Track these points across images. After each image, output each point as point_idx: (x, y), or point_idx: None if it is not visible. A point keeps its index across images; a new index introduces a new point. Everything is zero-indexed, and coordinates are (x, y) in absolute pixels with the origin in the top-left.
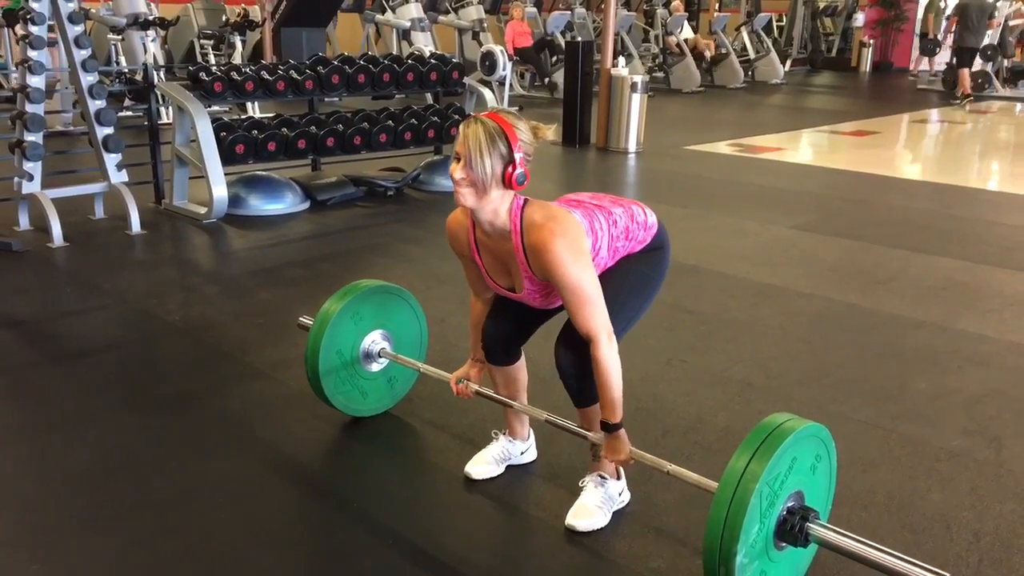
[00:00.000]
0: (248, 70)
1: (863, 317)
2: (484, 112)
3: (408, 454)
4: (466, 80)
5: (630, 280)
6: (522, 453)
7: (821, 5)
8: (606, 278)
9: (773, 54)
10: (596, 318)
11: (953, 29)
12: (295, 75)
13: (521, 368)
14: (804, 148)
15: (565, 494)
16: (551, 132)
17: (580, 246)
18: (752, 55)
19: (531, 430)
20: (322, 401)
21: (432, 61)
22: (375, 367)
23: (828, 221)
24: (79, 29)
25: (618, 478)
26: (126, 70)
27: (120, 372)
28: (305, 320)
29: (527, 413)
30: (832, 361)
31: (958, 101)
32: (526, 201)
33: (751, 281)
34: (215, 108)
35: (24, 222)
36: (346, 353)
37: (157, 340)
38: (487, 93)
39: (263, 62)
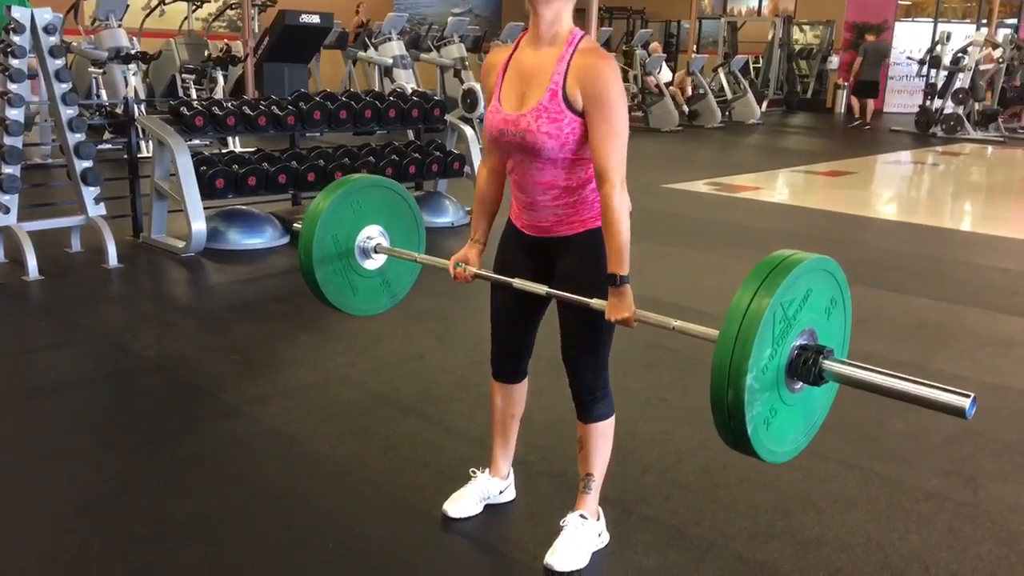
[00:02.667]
0: (230, 105)
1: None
2: None
3: (383, 494)
4: (447, 117)
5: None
6: (501, 492)
7: (797, 48)
8: (597, 280)
9: (750, 95)
10: (617, 155)
11: (858, 67)
12: (277, 110)
13: (521, 392)
14: (780, 187)
15: (544, 534)
16: None
17: (623, 88)
18: (729, 96)
19: (511, 469)
20: (314, 293)
21: (414, 98)
22: (370, 264)
23: None
24: (60, 63)
25: (598, 519)
26: (107, 103)
27: (93, 408)
28: (298, 225)
29: (529, 289)
30: None
31: (857, 123)
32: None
33: None
34: (196, 142)
35: None
36: (342, 241)
37: (132, 376)
38: (468, 130)
39: (245, 97)
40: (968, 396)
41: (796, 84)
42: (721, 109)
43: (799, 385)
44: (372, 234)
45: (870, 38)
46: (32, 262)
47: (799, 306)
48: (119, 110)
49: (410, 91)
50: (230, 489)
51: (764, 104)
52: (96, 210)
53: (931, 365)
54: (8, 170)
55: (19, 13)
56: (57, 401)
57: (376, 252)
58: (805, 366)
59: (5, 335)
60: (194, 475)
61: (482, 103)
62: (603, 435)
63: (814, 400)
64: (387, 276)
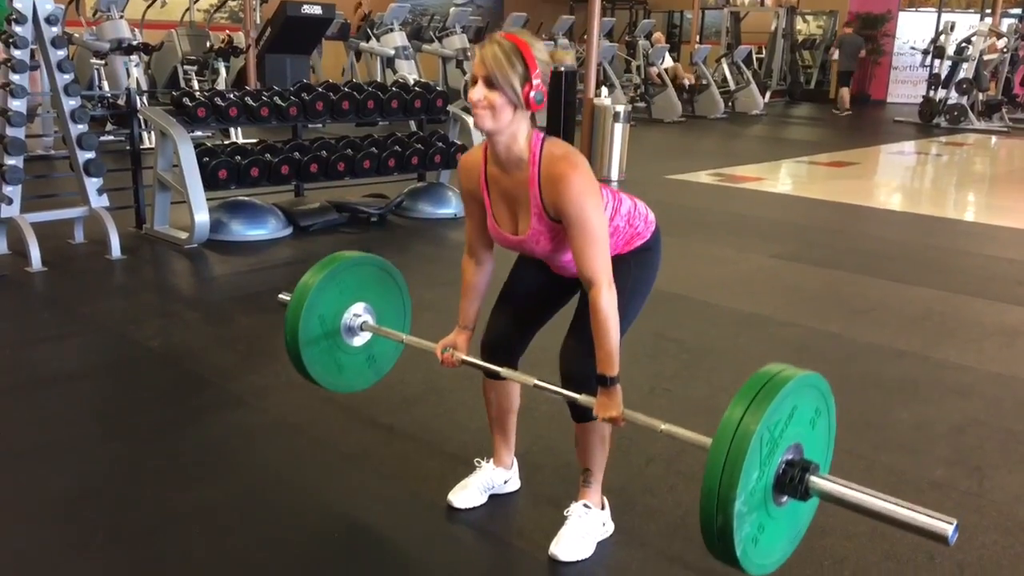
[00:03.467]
0: (232, 96)
1: (844, 346)
2: (499, 32)
3: (389, 483)
4: (450, 108)
5: (630, 284)
6: (505, 482)
7: (800, 38)
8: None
9: (753, 86)
10: (600, 260)
11: (836, 57)
12: (279, 101)
13: (516, 390)
14: (784, 178)
15: (548, 524)
16: (570, 57)
17: (596, 187)
18: (732, 86)
19: (515, 459)
20: (299, 371)
21: (416, 89)
22: (356, 341)
23: (808, 251)
24: (62, 53)
25: (602, 508)
26: (109, 95)
27: (98, 399)
28: (284, 297)
29: (516, 379)
30: None
31: (838, 112)
32: (546, 136)
33: (733, 310)
34: (198, 133)
35: (2, 246)
36: (328, 321)
37: (136, 367)
38: (471, 121)
39: (247, 88)
40: (951, 523)
41: (799, 74)
42: (724, 100)
43: (785, 499)
44: (359, 311)
45: (846, 31)
46: (35, 253)
47: (785, 424)
48: (122, 101)
49: (412, 82)
50: (235, 479)
51: (767, 95)
52: (99, 201)
53: (936, 355)
54: (11, 161)
55: (21, 3)
56: (61, 391)
57: (362, 330)
58: (792, 483)
59: (9, 326)
60: (199, 465)
61: None
62: (597, 432)
63: (800, 511)
64: (373, 352)
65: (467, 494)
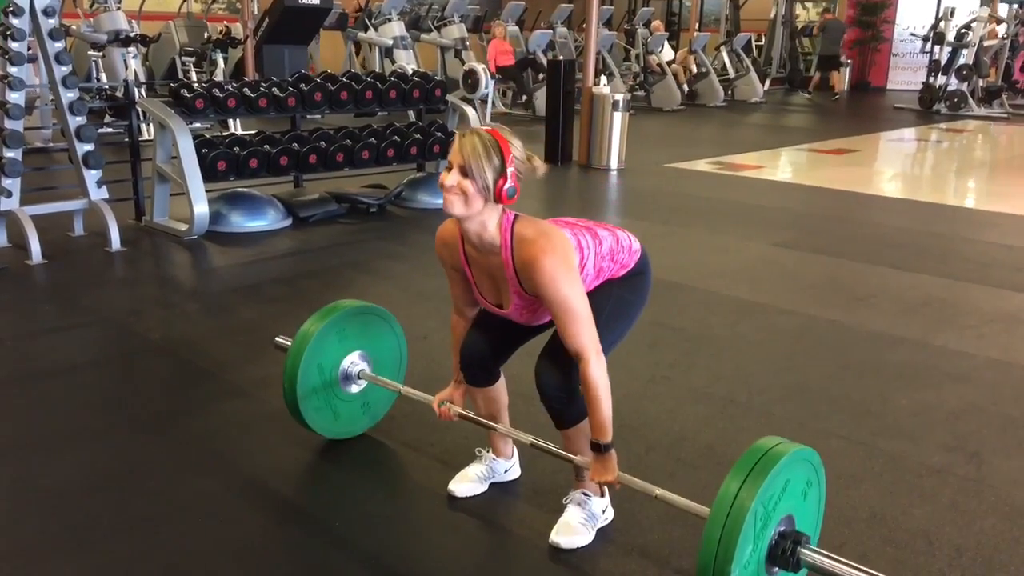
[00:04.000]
0: (230, 87)
1: (844, 334)
2: (484, 127)
3: (389, 474)
4: (449, 98)
5: (611, 304)
6: (506, 471)
7: (800, 25)
8: (591, 300)
9: (753, 73)
10: (585, 335)
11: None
12: (278, 92)
13: (501, 389)
14: (784, 166)
15: (549, 512)
16: (542, 166)
17: (570, 263)
18: (732, 74)
19: (515, 448)
20: (296, 419)
21: (415, 79)
22: (353, 389)
23: (808, 238)
24: (60, 45)
25: (602, 495)
26: (107, 87)
27: (99, 391)
28: (282, 340)
29: (511, 436)
30: (814, 377)
31: (836, 97)
32: (516, 216)
33: (733, 298)
34: (197, 125)
35: (2, 239)
36: (327, 371)
37: (136, 358)
38: (470, 111)
39: (245, 79)
40: None
41: (799, 62)
42: (723, 88)
43: (777, 570)
44: (355, 359)
45: (828, 16)
46: (35, 246)
47: (778, 498)
48: (120, 93)
49: (411, 72)
50: (235, 469)
51: (767, 82)
52: (98, 193)
53: (935, 342)
54: (9, 154)
55: None
56: (62, 383)
57: (360, 378)
58: (783, 555)
59: (10, 318)
60: (200, 455)
61: (483, 82)
62: (583, 433)
63: None
64: (368, 399)
65: (467, 483)
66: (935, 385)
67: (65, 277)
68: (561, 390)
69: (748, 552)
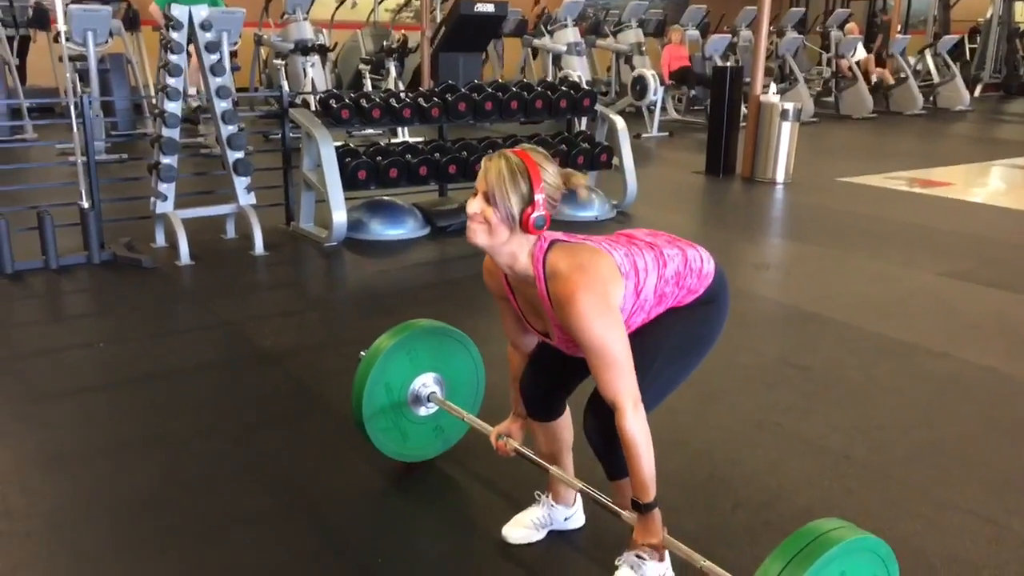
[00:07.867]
0: (376, 98)
1: (999, 385)
2: (514, 148)
3: (448, 508)
4: (597, 107)
5: (672, 340)
6: (566, 519)
7: (1022, 27)
8: (645, 333)
9: (959, 78)
10: (621, 383)
11: None
12: (422, 103)
13: (564, 426)
14: (978, 184)
15: (610, 570)
16: (585, 182)
17: (608, 300)
18: (936, 79)
19: (578, 494)
20: (362, 435)
21: (562, 88)
22: (423, 411)
23: (984, 269)
24: (215, 58)
25: (660, 559)
26: (280, 95)
27: (195, 397)
28: (365, 355)
29: (562, 480)
30: (951, 436)
31: None
32: (552, 244)
33: (876, 334)
34: (369, 132)
35: (160, 239)
36: (395, 390)
37: (242, 366)
38: (619, 121)
39: (391, 89)
40: None
41: (1017, 66)
42: (924, 94)
43: None
44: (428, 381)
45: None
46: (184, 247)
47: None
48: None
49: (578, 78)
50: (299, 487)
51: (978, 88)
52: (246, 199)
53: None
54: (166, 160)
55: (178, 11)
56: (165, 387)
57: (430, 401)
58: None
59: (140, 318)
60: (269, 472)
61: (651, 89)
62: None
63: None
64: (440, 422)
65: (522, 529)
66: None
67: (205, 279)
68: (601, 436)
69: None
